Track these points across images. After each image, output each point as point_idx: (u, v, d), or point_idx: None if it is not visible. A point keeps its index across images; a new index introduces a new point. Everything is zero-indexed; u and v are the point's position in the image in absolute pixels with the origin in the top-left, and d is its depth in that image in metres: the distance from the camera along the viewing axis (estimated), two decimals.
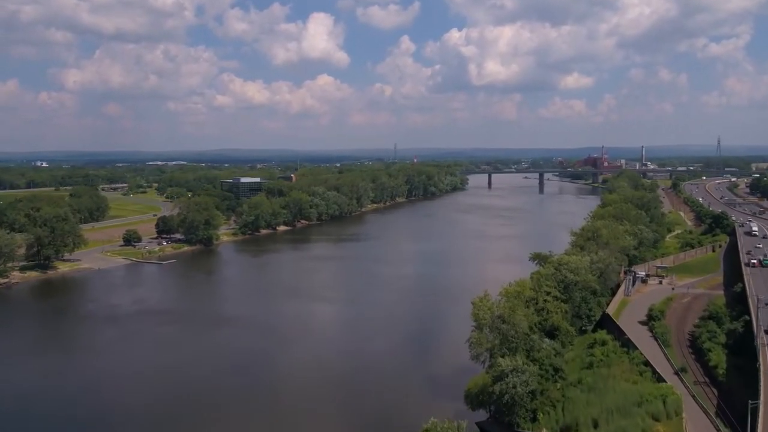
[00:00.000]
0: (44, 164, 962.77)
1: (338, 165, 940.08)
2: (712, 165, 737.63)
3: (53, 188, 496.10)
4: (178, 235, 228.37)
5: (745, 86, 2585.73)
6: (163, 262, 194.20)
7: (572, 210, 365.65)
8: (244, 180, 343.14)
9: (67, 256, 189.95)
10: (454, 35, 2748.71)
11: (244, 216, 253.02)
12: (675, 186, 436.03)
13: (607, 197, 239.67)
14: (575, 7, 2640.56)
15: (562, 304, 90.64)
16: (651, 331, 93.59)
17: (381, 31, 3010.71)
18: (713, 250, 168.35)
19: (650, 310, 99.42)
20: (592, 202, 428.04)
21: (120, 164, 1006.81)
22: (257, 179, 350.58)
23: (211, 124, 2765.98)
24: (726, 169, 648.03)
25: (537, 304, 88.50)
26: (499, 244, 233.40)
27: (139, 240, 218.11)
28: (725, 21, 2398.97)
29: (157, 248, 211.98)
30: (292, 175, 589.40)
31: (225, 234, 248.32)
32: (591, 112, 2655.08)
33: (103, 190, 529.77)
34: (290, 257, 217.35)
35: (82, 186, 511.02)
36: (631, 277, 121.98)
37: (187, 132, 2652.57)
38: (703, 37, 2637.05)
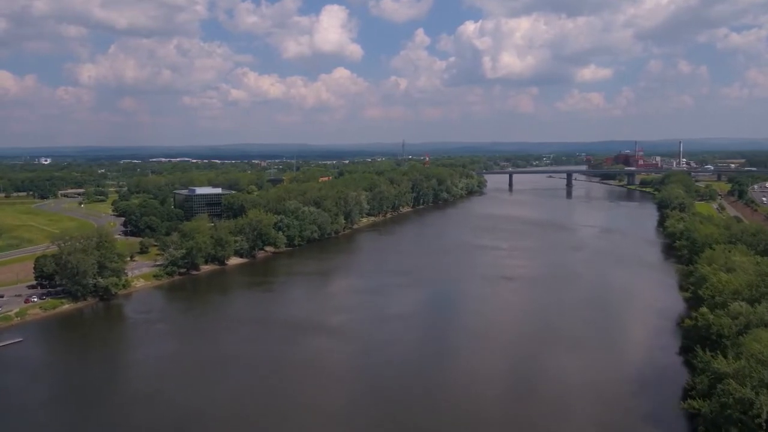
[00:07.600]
0: (47, 161, 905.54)
1: (346, 161, 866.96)
2: (759, 163, 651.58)
3: (4, 195, 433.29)
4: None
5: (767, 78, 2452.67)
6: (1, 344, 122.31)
7: (613, 225, 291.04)
8: (200, 192, 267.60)
9: None
10: (469, 27, 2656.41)
11: (171, 249, 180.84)
12: (740, 193, 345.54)
13: (696, 228, 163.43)
14: None
15: None
16: None
17: (395, 24, 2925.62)
18: None
19: None
20: (635, 212, 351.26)
21: (123, 161, 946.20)
22: (218, 190, 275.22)
23: (226, 118, 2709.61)
24: None
25: None
26: (532, 302, 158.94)
27: None
28: (747, 10, 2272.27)
29: (15, 310, 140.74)
30: (283, 178, 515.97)
31: (144, 276, 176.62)
32: (609, 105, 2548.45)
33: (65, 196, 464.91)
34: (220, 323, 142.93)
35: (40, 191, 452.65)
36: None
37: (203, 126, 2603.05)
38: (723, 27, 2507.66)
